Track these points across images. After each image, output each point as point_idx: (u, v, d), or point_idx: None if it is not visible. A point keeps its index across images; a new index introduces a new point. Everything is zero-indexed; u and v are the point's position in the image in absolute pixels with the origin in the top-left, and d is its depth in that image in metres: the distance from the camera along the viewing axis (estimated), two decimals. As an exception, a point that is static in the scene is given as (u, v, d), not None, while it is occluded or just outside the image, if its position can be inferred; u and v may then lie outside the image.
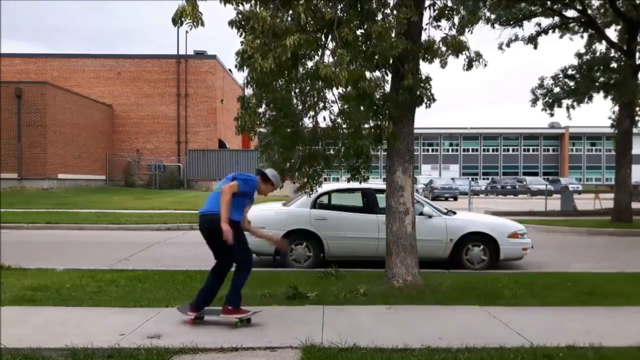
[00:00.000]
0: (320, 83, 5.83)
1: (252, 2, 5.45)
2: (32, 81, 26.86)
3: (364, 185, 7.89)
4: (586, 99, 16.89)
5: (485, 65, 6.69)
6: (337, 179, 26.34)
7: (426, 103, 6.30)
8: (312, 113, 7.07)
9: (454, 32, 6.40)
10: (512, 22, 16.19)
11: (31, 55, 33.17)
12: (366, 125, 6.59)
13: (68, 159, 26.38)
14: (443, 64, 6.45)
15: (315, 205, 8.52)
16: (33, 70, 31.39)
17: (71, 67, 31.87)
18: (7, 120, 23.87)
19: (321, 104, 7.04)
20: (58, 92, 26.06)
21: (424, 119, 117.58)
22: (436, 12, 6.56)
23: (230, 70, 36.18)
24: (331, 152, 7.42)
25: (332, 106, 7.06)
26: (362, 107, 6.27)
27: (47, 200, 20.26)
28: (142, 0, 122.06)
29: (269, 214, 8.74)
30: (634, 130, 16.44)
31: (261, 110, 6.91)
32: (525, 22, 16.32)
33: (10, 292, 5.93)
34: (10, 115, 23.97)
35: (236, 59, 5.54)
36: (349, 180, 7.54)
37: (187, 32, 35.23)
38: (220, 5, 5.37)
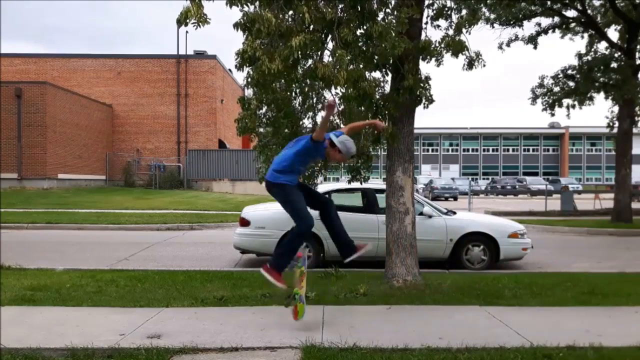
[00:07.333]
0: (319, 83, 5.83)
1: (257, 3, 5.45)
2: (32, 81, 26.84)
3: (364, 185, 7.89)
4: (587, 100, 16.90)
5: (485, 65, 6.69)
6: (338, 179, 26.40)
7: (424, 104, 6.30)
8: (311, 113, 7.08)
9: (451, 32, 6.40)
10: (512, 22, 16.19)
11: (31, 55, 33.13)
12: None
13: (68, 159, 26.37)
14: (439, 63, 6.45)
15: (315, 205, 8.50)
16: (33, 70, 31.37)
17: (71, 67, 31.84)
18: (7, 120, 23.87)
19: (320, 105, 7.05)
20: (58, 92, 26.06)
21: (424, 119, 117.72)
22: (434, 11, 6.56)
23: (230, 70, 36.16)
24: None
25: (330, 106, 7.05)
26: (362, 108, 6.27)
27: (47, 200, 20.26)
28: (142, 0, 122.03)
29: (269, 214, 8.74)
30: (634, 130, 16.46)
31: (262, 111, 6.92)
32: (525, 22, 16.31)
33: (10, 292, 5.92)
34: (10, 115, 23.97)
35: (236, 59, 5.54)
36: (350, 181, 7.55)
37: (187, 32, 35.27)
38: (221, 5, 5.38)
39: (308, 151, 4.79)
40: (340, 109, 6.76)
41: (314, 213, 5.04)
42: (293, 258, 4.92)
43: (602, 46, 17.07)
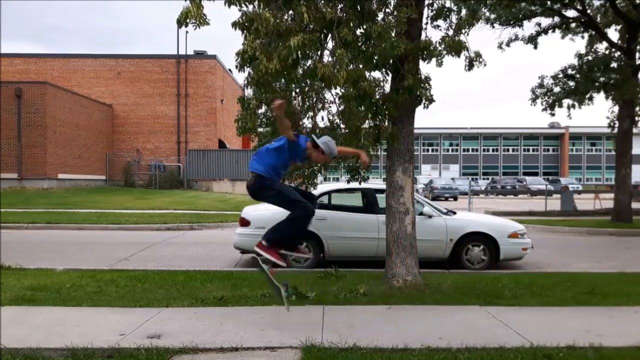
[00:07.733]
0: (319, 83, 5.83)
1: (256, 2, 5.45)
2: (32, 81, 26.83)
3: (364, 185, 7.90)
4: (587, 100, 16.91)
5: (485, 65, 6.69)
6: (337, 179, 26.41)
7: (424, 104, 6.30)
8: (311, 113, 7.08)
9: (451, 32, 6.40)
10: (512, 22, 16.19)
11: (31, 55, 33.12)
12: (365, 125, 6.60)
13: (68, 159, 26.37)
14: (439, 64, 6.45)
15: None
16: (33, 70, 31.36)
17: (71, 67, 31.84)
18: (7, 120, 23.87)
19: (320, 104, 7.05)
20: (58, 92, 26.06)
21: (424, 119, 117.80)
22: (434, 12, 6.56)
23: (230, 70, 36.17)
24: None
25: (330, 106, 7.07)
26: (362, 107, 6.27)
27: (47, 200, 20.26)
28: (142, 0, 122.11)
29: (269, 214, 8.73)
30: (634, 130, 16.46)
31: (261, 111, 6.92)
32: (525, 22, 16.32)
33: (10, 292, 5.92)
34: (10, 115, 23.96)
35: (236, 59, 5.56)
36: (349, 181, 7.55)
37: (187, 32, 35.30)
38: (221, 5, 5.39)
39: (287, 150, 4.79)
40: (340, 109, 6.76)
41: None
42: (291, 245, 4.92)
43: (602, 46, 17.10)
